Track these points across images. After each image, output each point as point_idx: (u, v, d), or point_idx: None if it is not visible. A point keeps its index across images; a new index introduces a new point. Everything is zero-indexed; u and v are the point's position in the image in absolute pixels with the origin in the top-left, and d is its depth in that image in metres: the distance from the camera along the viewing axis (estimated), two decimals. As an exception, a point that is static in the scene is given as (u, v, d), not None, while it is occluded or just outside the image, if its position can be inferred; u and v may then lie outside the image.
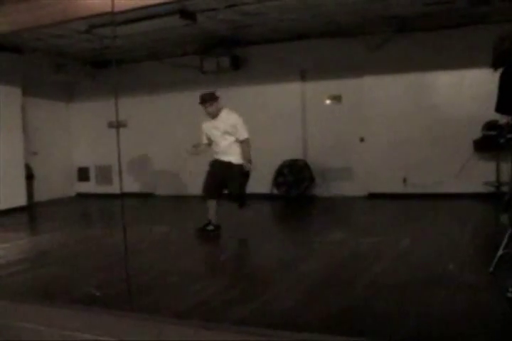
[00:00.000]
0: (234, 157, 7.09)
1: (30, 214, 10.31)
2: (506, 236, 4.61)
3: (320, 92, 10.31)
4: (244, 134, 7.06)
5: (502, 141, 8.23)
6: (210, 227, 7.18)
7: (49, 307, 3.61)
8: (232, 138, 7.07)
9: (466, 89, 9.23)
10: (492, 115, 8.34)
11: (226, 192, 7.26)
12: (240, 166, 7.09)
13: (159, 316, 3.51)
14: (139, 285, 4.43)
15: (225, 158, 7.12)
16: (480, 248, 5.90)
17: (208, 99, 7.06)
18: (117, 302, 4.04)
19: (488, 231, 6.73)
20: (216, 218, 7.19)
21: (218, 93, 7.24)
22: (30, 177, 10.71)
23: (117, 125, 5.39)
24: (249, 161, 7.10)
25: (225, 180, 7.14)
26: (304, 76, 10.39)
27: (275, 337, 3.06)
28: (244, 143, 7.08)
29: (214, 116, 7.13)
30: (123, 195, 4.53)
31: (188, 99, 9.19)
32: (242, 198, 7.25)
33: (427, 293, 4.23)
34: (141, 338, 3.03)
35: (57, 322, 3.31)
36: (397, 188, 9.75)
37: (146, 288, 4.57)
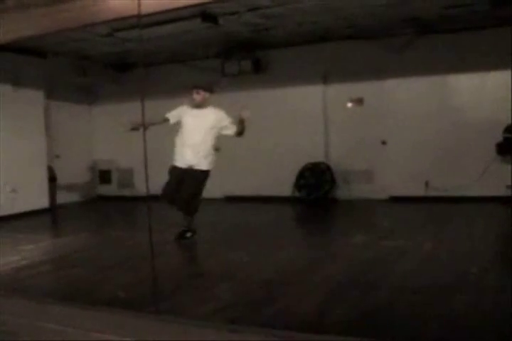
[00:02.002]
0: (206, 161, 6.73)
1: (53, 216, 10.40)
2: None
3: (342, 95, 10.29)
4: (234, 127, 6.71)
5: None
6: (189, 234, 6.92)
7: (73, 308, 3.64)
8: (211, 140, 6.75)
9: (488, 92, 9.15)
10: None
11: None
12: (207, 173, 6.74)
13: (183, 318, 3.53)
14: (163, 286, 4.44)
15: (194, 162, 6.68)
16: (503, 251, 5.86)
17: (201, 87, 6.79)
18: (141, 303, 4.06)
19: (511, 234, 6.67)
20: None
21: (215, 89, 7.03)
22: (52, 179, 10.80)
23: (144, 127, 5.40)
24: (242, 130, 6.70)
25: (182, 181, 6.72)
26: (325, 79, 10.36)
27: (297, 339, 3.07)
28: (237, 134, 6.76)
29: (198, 106, 6.82)
30: (148, 197, 4.53)
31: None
32: (192, 204, 6.77)
33: (449, 296, 4.19)
34: (165, 339, 3.04)
35: (82, 323, 3.34)
36: (419, 191, 9.68)
37: (170, 290, 4.58)
